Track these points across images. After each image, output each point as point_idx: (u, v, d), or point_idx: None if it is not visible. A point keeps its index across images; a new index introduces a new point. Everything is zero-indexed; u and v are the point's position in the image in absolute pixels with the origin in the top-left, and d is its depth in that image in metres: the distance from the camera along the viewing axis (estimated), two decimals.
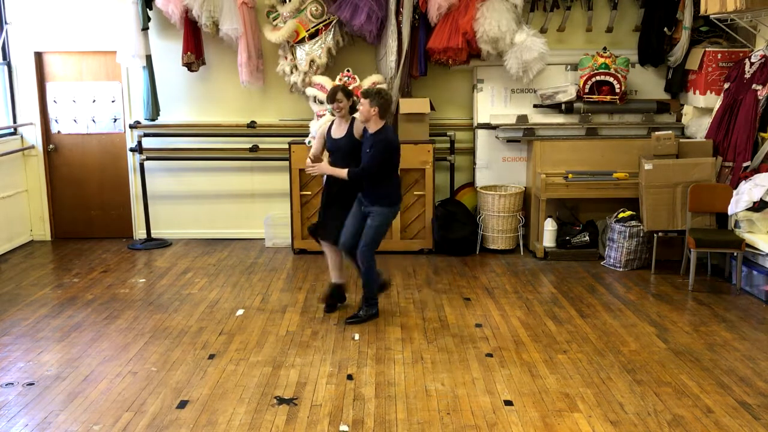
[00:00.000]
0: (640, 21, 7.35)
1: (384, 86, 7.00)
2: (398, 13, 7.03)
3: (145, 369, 4.49)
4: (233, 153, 7.71)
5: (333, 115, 5.50)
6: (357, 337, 5.01)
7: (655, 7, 7.11)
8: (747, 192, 5.85)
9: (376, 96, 5.05)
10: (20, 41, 7.59)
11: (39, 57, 7.70)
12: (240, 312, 5.55)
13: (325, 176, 5.58)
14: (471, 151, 7.63)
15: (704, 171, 6.43)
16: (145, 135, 7.63)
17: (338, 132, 5.39)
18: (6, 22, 7.56)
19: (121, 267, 6.86)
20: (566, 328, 5.16)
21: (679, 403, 3.99)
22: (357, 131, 5.29)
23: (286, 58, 7.24)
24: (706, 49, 6.82)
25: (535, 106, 7.37)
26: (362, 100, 5.12)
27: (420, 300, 5.81)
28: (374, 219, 5.22)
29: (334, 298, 5.59)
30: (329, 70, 7.24)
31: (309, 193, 7.17)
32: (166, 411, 3.93)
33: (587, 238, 6.99)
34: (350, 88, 6.83)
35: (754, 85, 6.27)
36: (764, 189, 5.76)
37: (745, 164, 6.24)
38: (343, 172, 5.17)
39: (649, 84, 7.42)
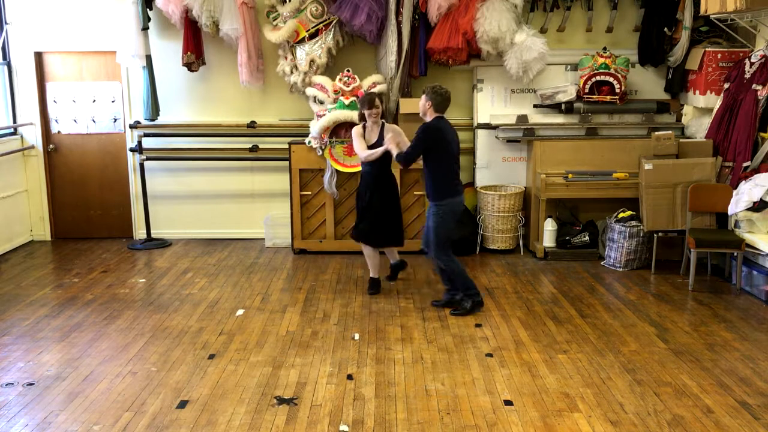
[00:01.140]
0: (640, 21, 7.35)
1: (384, 86, 7.01)
2: (398, 13, 7.03)
3: (145, 369, 4.49)
4: (233, 153, 7.71)
5: (365, 119, 5.80)
6: (357, 337, 5.01)
7: (655, 7, 7.11)
8: (747, 192, 5.85)
9: (431, 92, 5.32)
10: (20, 41, 7.60)
11: (39, 57, 7.70)
12: (240, 312, 5.55)
13: (362, 175, 5.95)
14: (471, 151, 7.62)
15: (704, 171, 6.43)
16: (145, 135, 7.63)
17: (371, 137, 5.79)
18: (6, 22, 7.57)
19: (121, 267, 6.86)
20: (566, 328, 5.16)
21: (679, 403, 3.99)
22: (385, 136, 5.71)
23: (286, 58, 7.24)
24: (706, 49, 6.82)
25: (535, 106, 7.37)
26: (422, 95, 5.40)
27: (420, 300, 5.81)
28: (429, 219, 5.47)
29: (376, 286, 6.05)
30: (329, 70, 7.24)
31: (309, 193, 7.17)
32: (166, 411, 3.93)
33: (587, 238, 6.99)
34: (350, 88, 6.85)
35: (754, 85, 6.27)
36: (764, 189, 5.76)
37: (745, 164, 6.24)
38: (394, 153, 5.50)
39: (649, 84, 7.42)
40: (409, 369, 4.47)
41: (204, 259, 7.13)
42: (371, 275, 6.10)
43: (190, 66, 7.40)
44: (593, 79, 7.06)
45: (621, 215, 6.72)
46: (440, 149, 5.31)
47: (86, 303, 5.78)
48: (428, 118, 5.38)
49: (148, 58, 7.35)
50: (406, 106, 7.03)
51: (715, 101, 6.74)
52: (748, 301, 5.75)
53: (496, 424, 3.77)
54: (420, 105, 5.39)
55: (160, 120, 7.59)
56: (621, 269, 6.62)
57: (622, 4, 7.40)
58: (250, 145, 7.67)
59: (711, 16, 6.45)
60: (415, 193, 7.16)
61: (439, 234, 5.40)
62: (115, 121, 7.83)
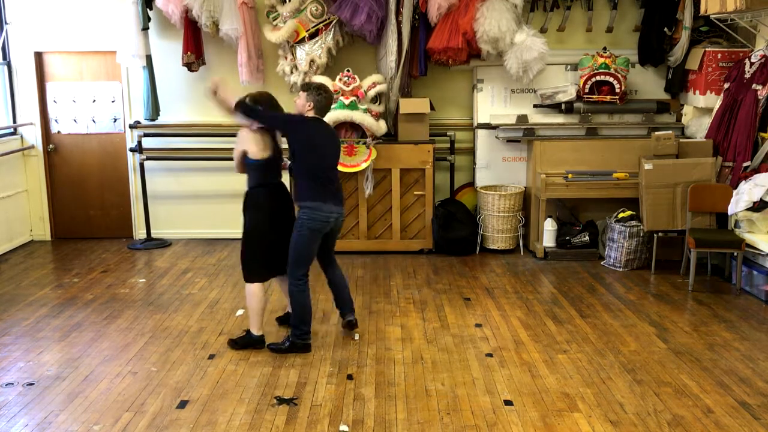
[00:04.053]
0: (640, 21, 7.35)
1: (384, 86, 7.01)
2: (398, 13, 7.02)
3: (145, 369, 4.49)
4: (233, 153, 7.69)
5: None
6: (357, 337, 5.01)
7: (655, 7, 7.11)
8: (747, 192, 5.85)
9: (315, 92, 4.64)
10: (20, 41, 7.59)
11: (39, 57, 7.70)
12: (240, 312, 5.54)
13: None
14: (471, 151, 7.63)
15: (704, 171, 6.43)
16: (145, 135, 7.63)
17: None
18: (6, 22, 7.56)
19: (121, 267, 6.86)
20: (566, 328, 5.16)
21: (679, 403, 3.99)
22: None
23: (286, 58, 7.24)
24: (706, 49, 6.82)
25: (535, 106, 7.37)
26: (300, 92, 4.73)
27: (420, 300, 5.82)
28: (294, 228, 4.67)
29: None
30: (329, 70, 7.24)
31: None
32: (166, 411, 3.93)
33: (587, 238, 6.98)
34: (350, 88, 6.85)
35: (754, 85, 6.27)
36: (764, 189, 5.76)
37: (745, 164, 6.24)
38: (231, 101, 4.61)
39: (649, 84, 7.42)
40: (409, 369, 4.47)
41: (204, 259, 7.13)
42: (259, 333, 4.84)
43: (190, 66, 7.40)
44: (593, 79, 7.05)
45: (621, 215, 6.72)
46: (303, 147, 4.62)
47: (86, 303, 5.78)
48: None
49: (148, 58, 7.34)
50: (406, 106, 7.04)
51: (715, 101, 6.74)
52: (748, 301, 5.75)
53: (496, 424, 3.77)
54: (298, 104, 4.68)
55: (160, 120, 7.58)
56: (621, 269, 6.62)
57: (622, 4, 7.40)
58: None
59: (711, 16, 6.45)
60: (415, 193, 7.16)
61: (297, 246, 4.61)
62: (115, 121, 7.83)
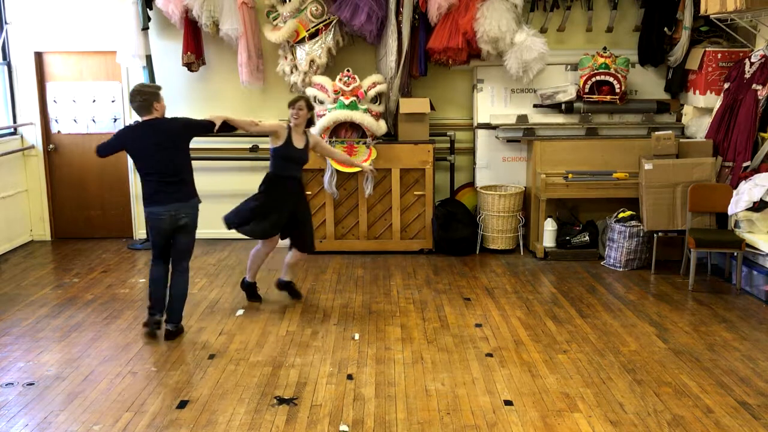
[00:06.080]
0: (640, 21, 7.36)
1: (384, 86, 7.02)
2: (398, 13, 7.02)
3: (145, 369, 4.49)
4: (233, 153, 7.71)
5: (290, 122, 5.49)
6: (357, 337, 5.01)
7: (655, 7, 7.11)
8: (747, 192, 5.85)
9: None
10: (20, 41, 7.60)
11: (39, 57, 7.70)
12: (240, 312, 5.55)
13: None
14: (471, 151, 7.63)
15: (704, 171, 6.43)
16: None
17: (300, 142, 5.50)
18: (6, 22, 7.57)
19: (121, 267, 6.86)
20: (566, 328, 5.16)
21: (679, 403, 3.99)
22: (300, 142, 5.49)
23: (286, 58, 7.24)
24: (706, 49, 6.82)
25: (535, 106, 7.37)
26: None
27: (420, 300, 5.82)
28: None
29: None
30: (329, 70, 7.24)
31: (309, 193, 7.14)
32: (166, 411, 3.93)
33: (587, 238, 6.99)
34: (350, 88, 6.85)
35: (754, 85, 6.27)
36: (764, 189, 5.76)
37: (745, 164, 6.24)
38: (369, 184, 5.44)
39: (649, 84, 7.42)
40: (409, 369, 4.47)
41: (204, 259, 7.12)
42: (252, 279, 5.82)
43: (190, 66, 7.41)
44: (593, 79, 7.05)
45: (621, 215, 6.72)
46: (130, 153, 4.95)
47: (86, 303, 5.78)
48: None
49: (148, 58, 7.34)
50: (406, 106, 7.04)
51: (715, 101, 6.74)
52: (748, 301, 5.75)
53: (496, 424, 3.77)
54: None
55: None
56: (621, 269, 6.62)
57: (622, 4, 7.40)
58: (250, 145, 7.66)
59: (711, 16, 6.45)
60: (415, 193, 7.16)
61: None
62: (115, 121, 7.83)
